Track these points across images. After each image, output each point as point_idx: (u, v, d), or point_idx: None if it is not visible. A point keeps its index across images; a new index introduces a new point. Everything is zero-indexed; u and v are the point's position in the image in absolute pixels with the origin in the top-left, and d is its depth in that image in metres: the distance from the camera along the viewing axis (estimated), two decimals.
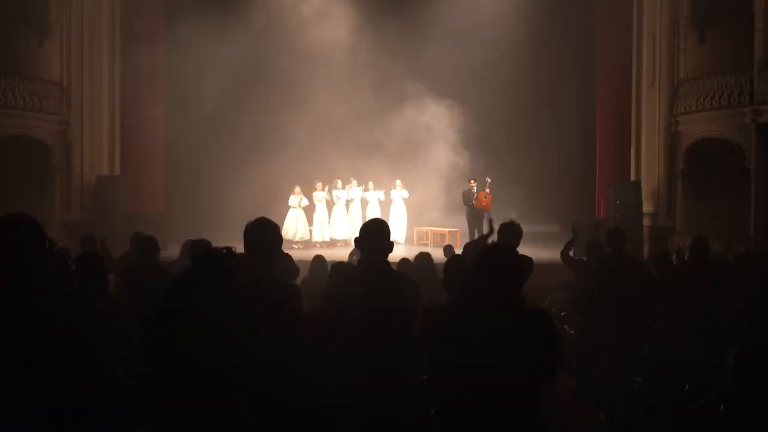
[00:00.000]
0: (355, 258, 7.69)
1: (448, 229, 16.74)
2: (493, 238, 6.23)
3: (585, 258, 7.65)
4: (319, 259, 7.73)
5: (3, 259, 2.83)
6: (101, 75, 16.91)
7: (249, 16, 16.80)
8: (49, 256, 3.06)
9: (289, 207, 16.34)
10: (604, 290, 6.44)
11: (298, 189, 16.44)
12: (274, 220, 3.83)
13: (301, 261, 7.31)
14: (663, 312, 6.71)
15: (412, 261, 6.71)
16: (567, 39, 18.16)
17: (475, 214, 15.49)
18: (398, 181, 17.08)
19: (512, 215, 17.62)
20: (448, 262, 5.25)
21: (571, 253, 7.79)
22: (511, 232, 5.75)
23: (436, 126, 17.32)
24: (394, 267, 4.24)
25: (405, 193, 17.08)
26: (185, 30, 15.83)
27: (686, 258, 7.60)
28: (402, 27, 17.18)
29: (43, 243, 2.93)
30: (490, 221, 6.83)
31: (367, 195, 17.10)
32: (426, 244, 16.33)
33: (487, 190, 15.79)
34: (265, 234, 3.67)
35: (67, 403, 2.83)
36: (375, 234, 3.76)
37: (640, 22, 16.67)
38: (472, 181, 16.00)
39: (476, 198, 15.79)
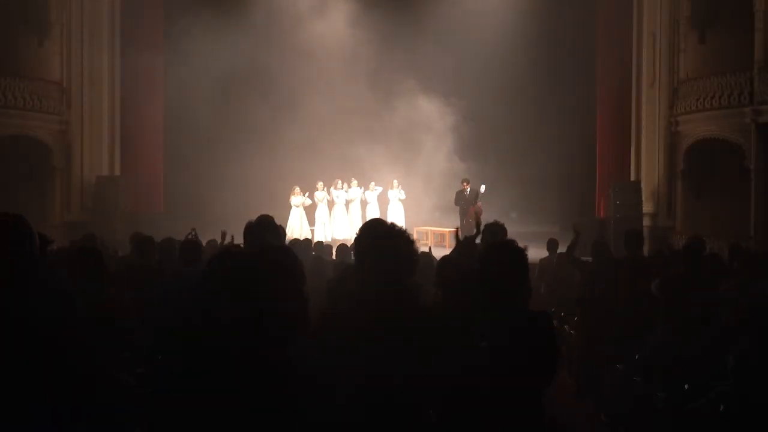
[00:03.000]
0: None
1: (448, 229, 16.72)
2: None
3: (590, 258, 7.62)
4: (318, 258, 7.73)
5: (3, 259, 2.83)
6: (101, 75, 16.92)
7: (248, 17, 16.83)
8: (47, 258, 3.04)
9: (290, 207, 16.35)
10: (610, 293, 6.42)
11: (297, 189, 16.45)
12: (275, 219, 3.83)
13: None
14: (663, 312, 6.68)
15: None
16: (567, 39, 18.16)
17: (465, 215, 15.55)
18: (395, 181, 17.06)
19: (512, 215, 17.69)
20: (440, 261, 5.22)
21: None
22: (494, 232, 5.63)
23: (435, 125, 17.33)
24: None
25: (402, 194, 17.06)
26: (185, 30, 15.84)
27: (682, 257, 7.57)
28: (402, 26, 17.20)
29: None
30: (477, 222, 6.64)
31: (368, 195, 17.09)
32: (426, 244, 16.31)
33: (479, 203, 15.65)
34: (266, 233, 3.67)
35: (67, 403, 2.82)
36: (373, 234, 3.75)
37: (640, 22, 16.68)
38: (465, 183, 15.97)
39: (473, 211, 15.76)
